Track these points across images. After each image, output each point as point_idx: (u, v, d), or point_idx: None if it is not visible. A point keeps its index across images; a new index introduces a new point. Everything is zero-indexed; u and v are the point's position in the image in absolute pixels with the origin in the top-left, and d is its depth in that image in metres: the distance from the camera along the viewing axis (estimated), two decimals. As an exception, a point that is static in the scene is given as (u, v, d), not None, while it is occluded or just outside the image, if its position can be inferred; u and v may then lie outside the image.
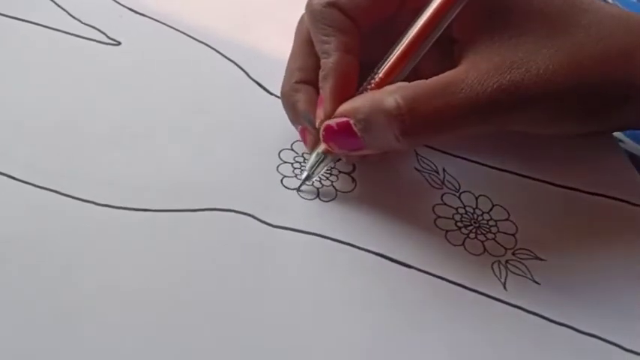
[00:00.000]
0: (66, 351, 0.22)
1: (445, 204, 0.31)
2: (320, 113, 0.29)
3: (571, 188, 0.32)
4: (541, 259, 0.29)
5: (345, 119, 0.28)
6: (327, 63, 0.29)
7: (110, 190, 0.28)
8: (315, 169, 0.30)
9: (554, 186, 0.32)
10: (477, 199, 0.31)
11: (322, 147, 0.29)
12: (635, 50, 0.28)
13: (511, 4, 0.29)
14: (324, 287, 0.26)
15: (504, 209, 0.31)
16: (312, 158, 0.30)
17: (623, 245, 0.30)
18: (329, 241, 0.28)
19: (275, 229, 0.28)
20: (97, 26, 0.36)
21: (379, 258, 0.28)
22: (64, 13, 0.36)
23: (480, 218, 0.30)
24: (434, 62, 0.29)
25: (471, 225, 0.30)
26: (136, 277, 0.25)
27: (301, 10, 0.34)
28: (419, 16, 0.28)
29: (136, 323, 0.24)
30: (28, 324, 0.23)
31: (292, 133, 0.32)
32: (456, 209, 0.30)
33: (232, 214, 0.28)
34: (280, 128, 0.32)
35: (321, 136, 0.29)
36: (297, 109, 0.30)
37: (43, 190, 0.27)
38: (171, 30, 0.37)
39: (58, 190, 0.27)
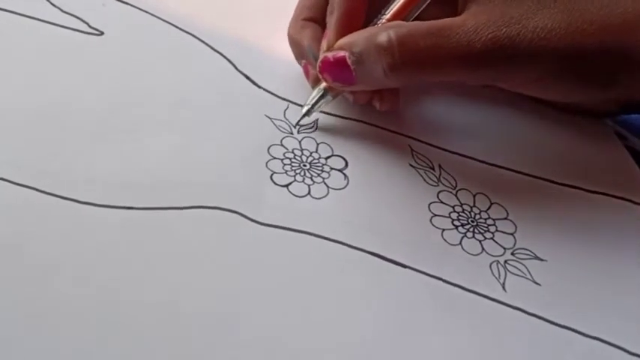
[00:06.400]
0: (47, 355, 0.22)
1: (441, 202, 0.30)
2: (323, 45, 0.31)
3: (571, 186, 0.32)
4: (541, 260, 0.28)
5: (342, 53, 0.29)
6: None
7: (91, 187, 0.27)
8: (315, 105, 0.31)
9: (554, 184, 0.32)
10: (474, 196, 0.30)
11: (325, 83, 0.31)
12: (638, 23, 0.29)
13: None
14: (316, 288, 0.25)
15: (503, 207, 0.30)
16: (314, 93, 0.31)
17: (626, 244, 0.29)
18: (321, 239, 0.27)
19: (264, 227, 0.27)
20: (79, 15, 0.35)
21: (373, 257, 0.27)
22: (44, 0, 0.35)
23: (477, 217, 0.30)
24: (436, 14, 0.30)
25: (469, 224, 0.29)
26: (120, 278, 0.24)
27: (292, 3, 0.34)
28: None
29: (120, 325, 0.23)
30: (5, 327, 0.22)
31: (282, 127, 0.31)
32: (453, 207, 0.30)
33: (219, 211, 0.27)
34: (270, 123, 0.32)
35: (317, 67, 0.30)
36: (302, 44, 0.32)
37: (21, 188, 0.26)
38: (157, 20, 0.36)
39: (36, 187, 0.26)
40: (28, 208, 0.25)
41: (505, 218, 0.30)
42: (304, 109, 0.31)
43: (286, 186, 0.29)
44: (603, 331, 0.26)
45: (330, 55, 0.30)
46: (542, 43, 0.28)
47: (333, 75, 0.30)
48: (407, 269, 0.27)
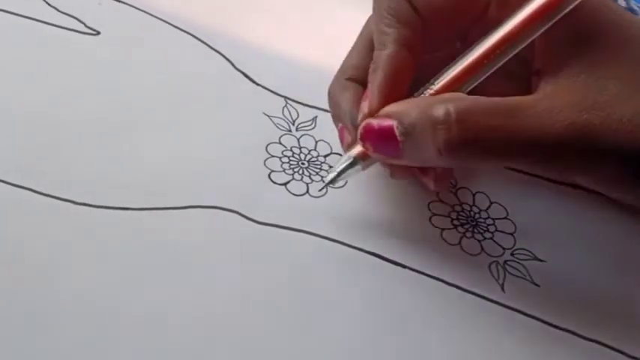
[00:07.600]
0: (43, 355, 0.22)
1: (441, 201, 0.30)
2: (364, 107, 0.26)
3: (571, 186, 0.31)
4: (540, 260, 0.28)
5: (389, 122, 0.25)
6: (381, 55, 0.26)
7: (88, 187, 0.27)
8: (343, 173, 0.27)
9: (554, 183, 0.31)
10: (474, 196, 0.30)
11: (357, 150, 0.27)
12: None
13: (605, 32, 0.25)
14: (314, 287, 0.25)
15: (502, 207, 0.30)
16: (343, 159, 0.27)
17: (627, 246, 0.29)
18: (319, 239, 0.27)
19: (262, 227, 0.27)
20: (75, 15, 0.34)
21: (372, 257, 0.27)
22: (41, 0, 0.34)
23: (477, 216, 0.29)
24: (501, 89, 0.26)
25: (468, 223, 0.29)
26: (116, 279, 0.24)
27: (289, 0, 0.33)
28: (496, 29, 0.25)
29: (118, 324, 0.23)
30: (5, 327, 0.22)
31: (280, 125, 0.31)
32: (452, 207, 0.30)
33: (217, 211, 0.27)
34: (268, 120, 0.31)
35: (358, 133, 0.26)
36: (341, 106, 0.28)
37: (18, 189, 0.26)
38: (154, 19, 0.35)
39: (33, 188, 0.26)
40: (24, 209, 0.25)
41: (505, 218, 0.29)
42: (329, 176, 0.27)
43: (284, 184, 0.29)
44: (602, 334, 0.26)
45: (375, 122, 0.25)
46: (628, 137, 0.23)
47: (376, 145, 0.26)
48: (405, 269, 0.27)
